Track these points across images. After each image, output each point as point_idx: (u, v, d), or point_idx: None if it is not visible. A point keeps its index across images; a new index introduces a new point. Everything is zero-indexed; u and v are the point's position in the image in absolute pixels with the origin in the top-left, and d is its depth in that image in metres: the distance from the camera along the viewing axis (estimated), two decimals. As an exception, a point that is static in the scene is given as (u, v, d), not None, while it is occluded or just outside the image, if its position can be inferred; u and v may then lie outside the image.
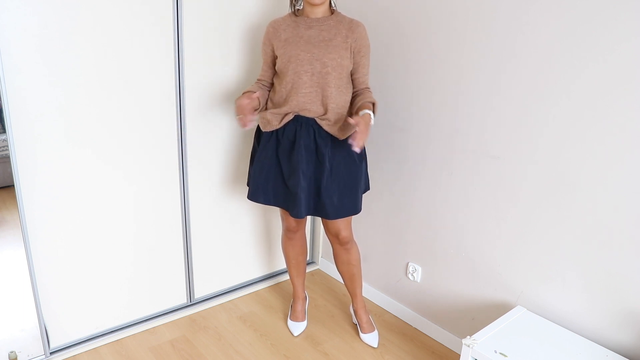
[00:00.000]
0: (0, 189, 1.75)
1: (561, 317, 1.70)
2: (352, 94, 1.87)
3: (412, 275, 2.21)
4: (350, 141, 1.64)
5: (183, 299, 2.31)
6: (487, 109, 1.79)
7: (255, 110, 1.81)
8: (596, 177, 1.53)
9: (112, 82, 1.83)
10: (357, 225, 2.42)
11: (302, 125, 1.81)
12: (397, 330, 2.23)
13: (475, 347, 1.56)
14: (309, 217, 2.66)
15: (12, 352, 1.87)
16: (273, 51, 1.84)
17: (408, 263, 2.22)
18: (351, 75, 1.85)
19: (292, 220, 2.04)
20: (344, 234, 1.95)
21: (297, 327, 2.20)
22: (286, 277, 2.65)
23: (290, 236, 2.12)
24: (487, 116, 1.79)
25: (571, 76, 1.53)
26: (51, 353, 1.95)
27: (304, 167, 1.79)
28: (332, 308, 2.39)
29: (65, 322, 1.97)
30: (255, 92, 1.77)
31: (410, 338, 2.18)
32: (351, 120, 1.61)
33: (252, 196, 1.91)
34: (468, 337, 1.61)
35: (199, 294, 2.37)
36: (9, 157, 1.67)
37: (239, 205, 2.39)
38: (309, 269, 2.74)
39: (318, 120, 1.81)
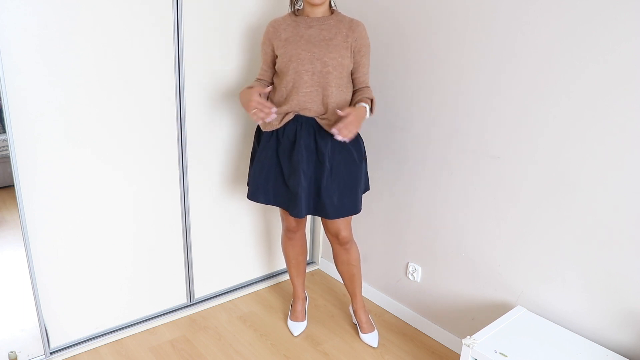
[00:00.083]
0: (0, 189, 1.75)
1: (561, 317, 1.70)
2: (352, 93, 1.87)
3: (412, 275, 2.21)
4: (332, 130, 1.62)
5: (183, 299, 2.32)
6: (487, 109, 1.79)
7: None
8: (596, 177, 1.52)
9: (112, 82, 1.83)
10: (357, 225, 2.42)
11: (302, 124, 1.81)
12: (397, 330, 2.23)
13: (475, 347, 1.56)
14: (309, 217, 2.66)
15: (12, 352, 1.87)
16: (273, 51, 1.84)
17: (408, 263, 2.22)
18: (351, 75, 1.85)
19: (292, 220, 2.04)
20: (343, 233, 1.95)
21: (297, 327, 2.20)
22: (286, 277, 2.65)
23: (290, 236, 2.12)
24: (487, 116, 1.79)
25: (571, 76, 1.53)
26: (51, 353, 1.95)
27: (305, 167, 1.79)
28: (332, 308, 2.39)
29: (65, 322, 1.97)
30: (256, 88, 1.77)
31: (410, 338, 2.18)
32: (340, 112, 1.61)
33: (252, 196, 1.92)
34: (468, 337, 1.61)
35: (199, 294, 2.37)
36: (9, 157, 1.67)
37: (239, 205, 2.39)
38: (309, 269, 2.74)
39: (318, 120, 1.81)
